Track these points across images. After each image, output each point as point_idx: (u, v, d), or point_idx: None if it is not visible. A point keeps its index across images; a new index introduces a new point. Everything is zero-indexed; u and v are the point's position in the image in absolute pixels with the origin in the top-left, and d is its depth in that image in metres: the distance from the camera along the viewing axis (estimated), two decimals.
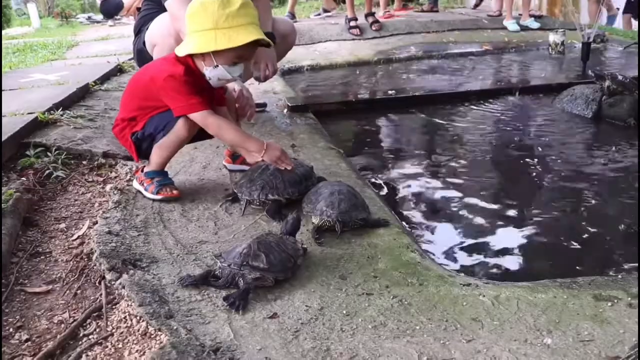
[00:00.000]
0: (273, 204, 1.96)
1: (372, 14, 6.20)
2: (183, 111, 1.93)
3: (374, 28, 6.11)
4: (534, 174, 2.68)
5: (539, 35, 6.07)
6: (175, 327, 1.29)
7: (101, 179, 2.32)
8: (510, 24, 6.32)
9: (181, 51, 1.89)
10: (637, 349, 1.25)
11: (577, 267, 1.89)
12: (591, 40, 4.33)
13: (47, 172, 2.26)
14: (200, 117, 1.93)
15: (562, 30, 5.49)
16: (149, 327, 1.29)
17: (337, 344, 1.29)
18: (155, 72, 1.95)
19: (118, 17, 8.89)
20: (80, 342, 1.31)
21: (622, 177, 2.58)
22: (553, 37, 5.44)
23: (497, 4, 7.11)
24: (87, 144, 2.54)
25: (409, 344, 1.29)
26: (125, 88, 2.14)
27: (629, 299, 1.46)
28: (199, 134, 2.06)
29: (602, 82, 3.42)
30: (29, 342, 1.32)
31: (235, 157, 2.33)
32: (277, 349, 1.27)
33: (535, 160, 2.83)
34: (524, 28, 6.29)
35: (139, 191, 2.12)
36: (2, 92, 3.37)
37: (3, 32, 8.83)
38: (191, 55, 1.90)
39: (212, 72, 1.91)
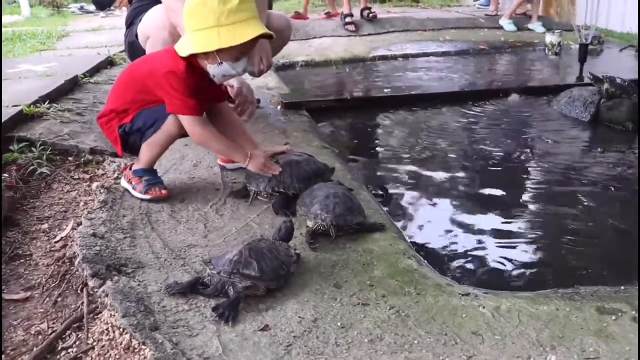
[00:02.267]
0: (278, 199, 1.95)
1: (369, 8, 6.16)
2: (177, 110, 1.88)
3: (369, 17, 6.07)
4: (532, 179, 2.63)
5: (536, 35, 6.03)
6: (160, 341, 1.22)
7: (87, 176, 2.25)
8: (507, 24, 6.28)
9: (183, 51, 1.82)
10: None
11: (578, 275, 1.84)
12: (589, 41, 4.29)
13: (31, 168, 2.19)
14: (188, 122, 1.88)
15: (559, 30, 5.45)
16: (132, 340, 1.22)
17: (332, 359, 1.23)
18: (155, 65, 1.89)
19: (111, 8, 8.75)
20: (58, 356, 1.24)
21: (622, 183, 2.53)
22: (549, 38, 5.40)
23: (493, 3, 7.08)
24: (73, 139, 2.47)
25: None
26: (118, 78, 2.07)
27: (633, 312, 1.41)
28: None
29: (601, 85, 3.37)
30: (2, 356, 1.24)
31: None
32: None
33: (534, 165, 2.78)
34: (522, 29, 6.24)
35: (126, 190, 2.04)
36: None
37: None
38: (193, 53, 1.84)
39: (216, 70, 1.85)
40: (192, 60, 1.85)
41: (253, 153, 1.98)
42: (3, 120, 2.42)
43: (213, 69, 1.85)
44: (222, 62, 1.82)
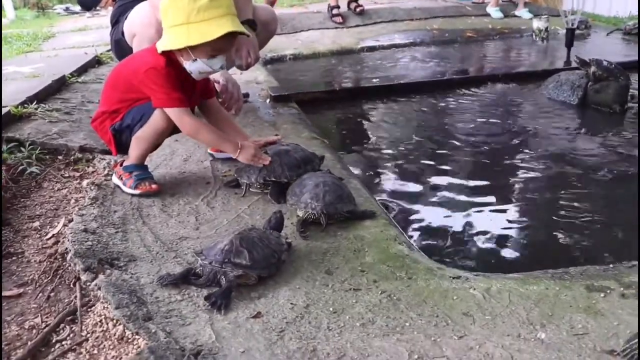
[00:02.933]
0: (274, 187, 1.96)
1: (356, 1, 6.14)
2: (162, 104, 1.89)
3: (357, 11, 6.05)
4: (522, 162, 2.65)
5: (523, 21, 6.04)
6: (153, 330, 1.22)
7: (78, 174, 2.24)
8: (494, 11, 6.28)
9: (159, 47, 1.86)
10: (638, 340, 1.21)
11: (568, 256, 1.86)
12: (575, 26, 4.30)
13: (21, 168, 2.18)
14: (176, 115, 1.89)
15: (546, 16, 5.46)
16: (125, 330, 1.22)
17: (324, 343, 1.24)
18: (137, 64, 1.92)
19: (97, 8, 8.66)
20: (52, 349, 1.24)
21: (610, 164, 2.55)
22: (537, 24, 5.42)
23: None
24: (63, 138, 2.46)
25: (399, 341, 1.25)
26: (106, 80, 2.08)
27: (622, 289, 1.43)
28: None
29: (587, 69, 3.39)
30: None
31: None
32: (261, 351, 1.21)
33: (523, 148, 2.80)
34: (509, 16, 6.25)
35: (117, 186, 2.04)
36: None
37: None
38: (171, 50, 1.86)
39: (192, 66, 1.87)
40: (172, 56, 1.87)
41: (243, 144, 1.98)
42: None
43: (189, 66, 1.87)
44: (196, 59, 1.84)
